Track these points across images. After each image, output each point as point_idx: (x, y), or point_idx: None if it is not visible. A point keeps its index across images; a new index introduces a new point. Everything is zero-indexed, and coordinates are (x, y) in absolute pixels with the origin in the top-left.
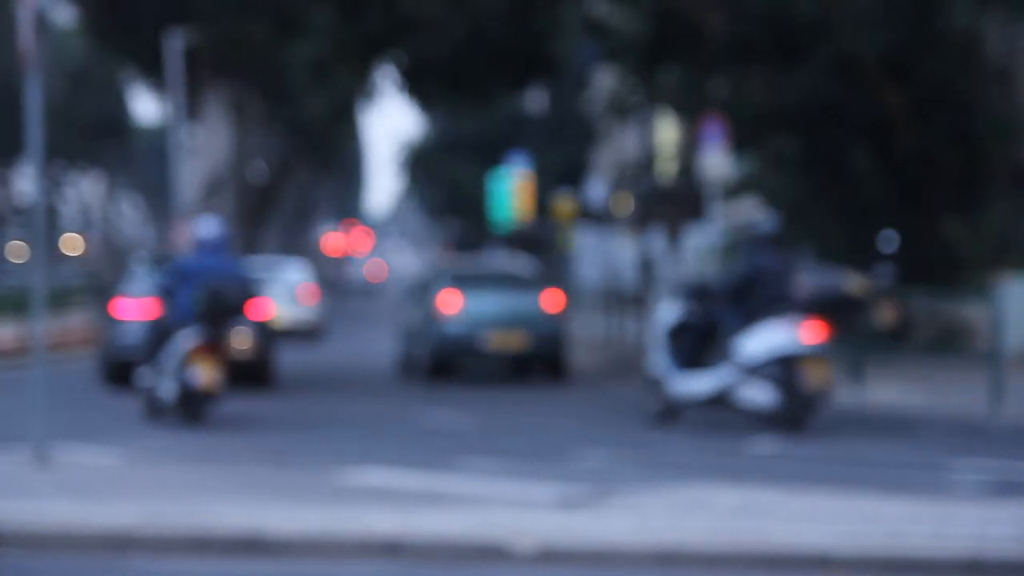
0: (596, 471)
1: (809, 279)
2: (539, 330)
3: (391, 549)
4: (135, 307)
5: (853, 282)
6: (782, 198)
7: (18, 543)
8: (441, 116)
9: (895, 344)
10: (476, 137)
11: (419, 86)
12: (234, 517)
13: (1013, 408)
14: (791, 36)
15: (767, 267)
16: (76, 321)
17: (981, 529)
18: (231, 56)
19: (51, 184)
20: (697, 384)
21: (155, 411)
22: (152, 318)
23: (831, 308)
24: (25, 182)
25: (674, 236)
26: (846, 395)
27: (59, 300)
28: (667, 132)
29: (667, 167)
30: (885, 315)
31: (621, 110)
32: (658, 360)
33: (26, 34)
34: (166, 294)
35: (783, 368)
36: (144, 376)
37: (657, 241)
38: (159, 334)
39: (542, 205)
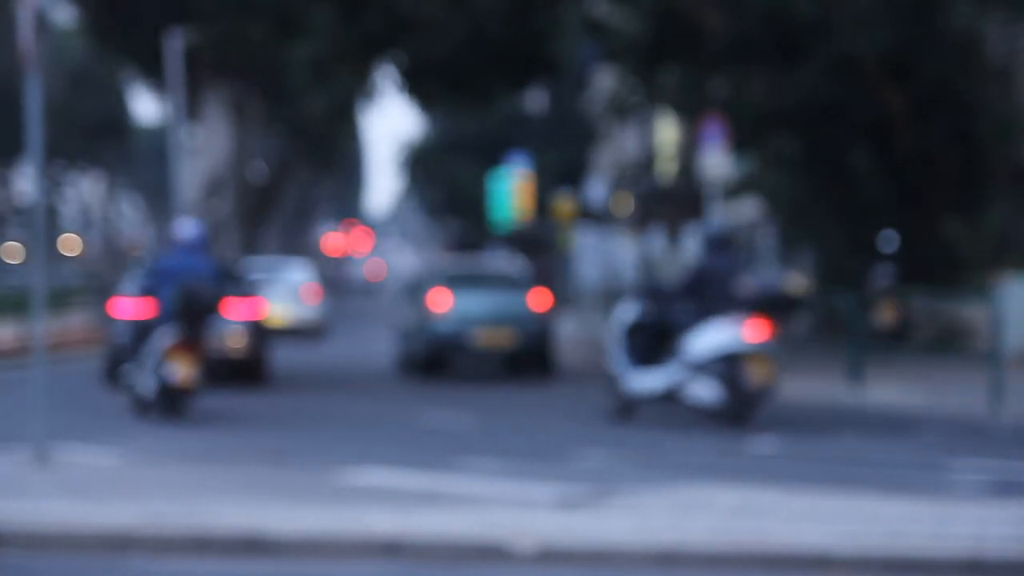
0: (596, 471)
1: (752, 279)
2: (526, 328)
3: (391, 549)
4: (132, 306)
5: (791, 282)
6: (782, 198)
7: (18, 543)
8: (441, 116)
9: (895, 344)
10: (476, 137)
11: (419, 86)
12: (234, 517)
13: (1013, 408)
14: (791, 36)
15: (714, 267)
16: (76, 321)
17: (981, 529)
18: (231, 56)
19: (51, 184)
20: (650, 381)
21: (141, 407)
22: (137, 317)
23: (771, 307)
24: (25, 182)
25: (674, 236)
26: (846, 395)
27: (59, 300)
28: (667, 132)
29: (667, 167)
30: (885, 315)
31: (621, 110)
32: (616, 358)
33: (26, 34)
34: (148, 294)
35: (727, 365)
36: (129, 373)
37: (657, 241)
38: (141, 332)
39: (542, 205)
